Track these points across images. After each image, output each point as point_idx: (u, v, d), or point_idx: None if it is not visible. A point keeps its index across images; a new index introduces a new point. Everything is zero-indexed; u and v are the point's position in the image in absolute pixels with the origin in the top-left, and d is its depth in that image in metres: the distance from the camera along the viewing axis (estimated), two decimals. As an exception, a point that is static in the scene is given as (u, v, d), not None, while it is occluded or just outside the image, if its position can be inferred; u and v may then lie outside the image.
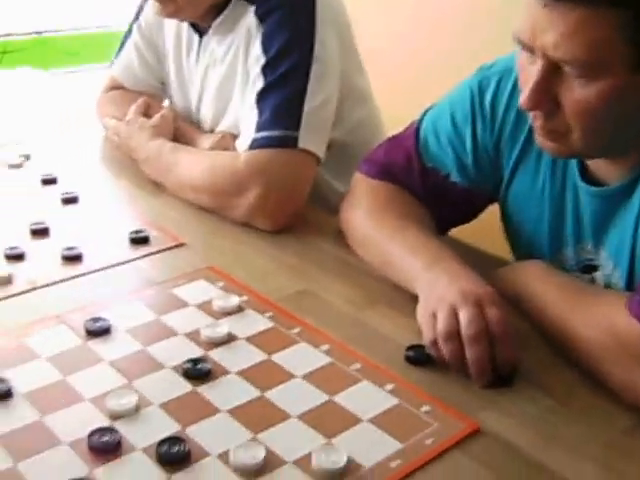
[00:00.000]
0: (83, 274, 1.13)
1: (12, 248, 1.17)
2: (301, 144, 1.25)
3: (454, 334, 0.92)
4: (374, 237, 1.14)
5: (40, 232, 1.23)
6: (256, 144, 1.26)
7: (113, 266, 1.16)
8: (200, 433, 0.83)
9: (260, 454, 0.79)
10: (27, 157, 1.53)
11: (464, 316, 0.92)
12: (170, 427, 0.83)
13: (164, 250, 1.21)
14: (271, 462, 0.79)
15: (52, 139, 1.66)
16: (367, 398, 0.89)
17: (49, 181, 1.42)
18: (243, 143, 1.29)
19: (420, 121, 1.20)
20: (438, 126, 1.17)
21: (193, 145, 1.42)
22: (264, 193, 1.23)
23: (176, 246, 1.22)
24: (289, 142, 1.25)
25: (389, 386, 0.91)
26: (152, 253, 1.20)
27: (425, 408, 0.87)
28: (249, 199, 1.24)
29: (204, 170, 1.31)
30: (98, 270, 1.14)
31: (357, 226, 1.19)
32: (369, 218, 1.17)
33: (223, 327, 0.99)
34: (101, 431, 0.81)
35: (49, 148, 1.61)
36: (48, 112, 1.84)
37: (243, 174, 1.25)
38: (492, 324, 0.92)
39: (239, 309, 1.05)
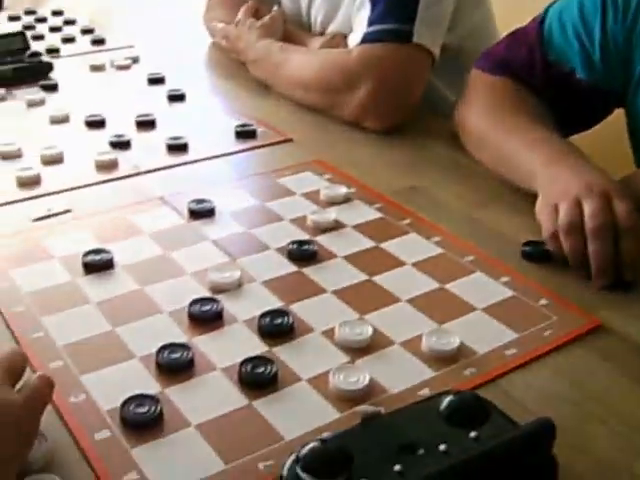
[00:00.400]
0: (188, 162, 1.11)
1: (118, 136, 1.15)
2: (415, 39, 1.19)
3: (577, 226, 0.85)
4: (490, 134, 1.07)
5: (146, 124, 1.21)
6: (368, 38, 1.20)
7: (218, 156, 1.12)
8: (304, 310, 0.79)
9: (367, 332, 0.75)
10: (135, 60, 1.51)
11: (589, 207, 0.85)
12: (273, 302, 0.80)
13: (270, 144, 1.17)
14: (378, 341, 0.75)
15: (160, 45, 1.63)
16: (481, 288, 0.83)
17: (156, 80, 1.40)
18: (355, 39, 1.23)
19: (544, 13, 1.12)
20: (564, 17, 1.09)
21: (303, 47, 1.37)
22: (375, 89, 1.18)
23: (283, 141, 1.18)
24: (403, 36, 1.18)
25: (504, 278, 0.85)
26: (258, 147, 1.16)
27: (543, 302, 0.81)
28: (359, 96, 1.19)
29: (314, 67, 1.26)
30: (203, 159, 1.11)
31: (472, 123, 1.12)
32: (486, 115, 1.10)
33: (330, 214, 0.95)
34: (202, 301, 0.79)
35: (157, 52, 1.58)
36: (158, 22, 1.81)
37: (354, 69, 1.19)
38: (619, 218, 0.84)
39: (347, 199, 1.00)
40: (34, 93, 1.33)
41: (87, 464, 0.61)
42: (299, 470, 0.55)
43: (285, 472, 0.56)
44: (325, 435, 0.62)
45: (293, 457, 0.56)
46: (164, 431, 0.64)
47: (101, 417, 0.65)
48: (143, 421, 0.64)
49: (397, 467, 0.55)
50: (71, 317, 0.78)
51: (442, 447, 0.57)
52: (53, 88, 1.35)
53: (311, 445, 0.57)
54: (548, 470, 0.58)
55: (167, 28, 1.77)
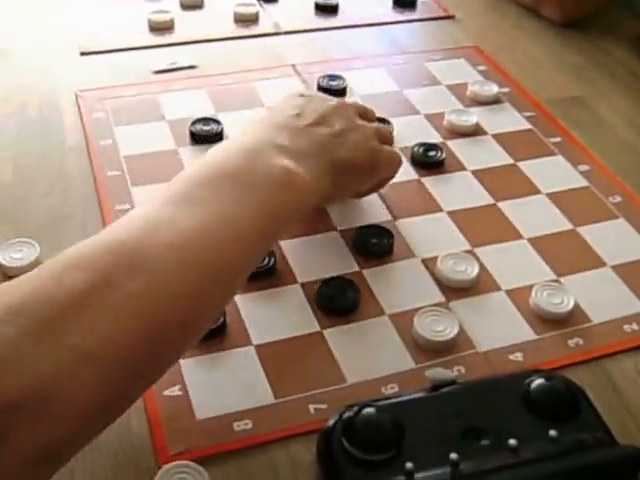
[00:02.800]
0: (333, 28, 1.01)
1: (266, -14, 1.07)
2: None
3: None
4: None
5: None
6: None
7: (369, 25, 1.02)
8: (411, 229, 0.71)
9: (473, 271, 0.66)
10: None
11: None
12: (379, 215, 0.72)
13: (429, 19, 1.05)
14: (482, 283, 0.66)
15: None
16: (619, 240, 0.72)
17: None
18: None
19: None
20: None
21: None
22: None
23: (444, 17, 1.06)
24: None
25: (651, 234, 0.73)
26: (415, 20, 1.04)
27: (690, 272, 0.69)
28: (541, -24, 1.04)
29: None
30: (351, 26, 1.01)
31: None
32: None
33: (471, 116, 0.84)
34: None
35: None
36: None
37: None
38: None
39: (496, 100, 0.88)
40: None
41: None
42: (342, 436, 0.49)
43: (328, 432, 0.51)
44: (387, 394, 0.56)
45: (342, 415, 0.51)
46: (223, 345, 0.59)
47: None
48: (203, 330, 0.59)
49: (453, 455, 0.49)
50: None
51: (512, 442, 0.50)
52: None
53: (365, 412, 0.50)
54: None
55: None
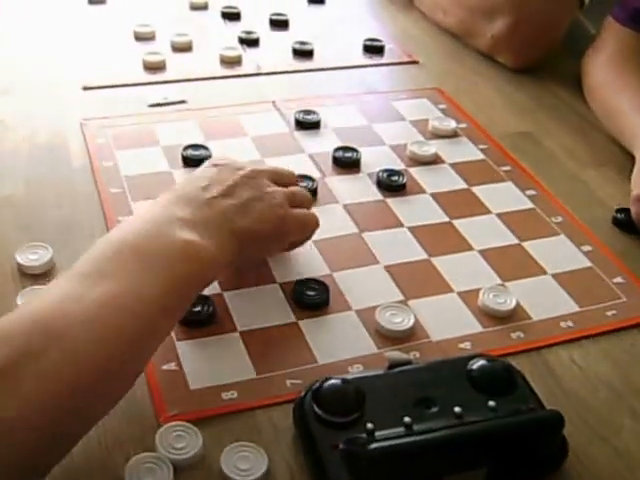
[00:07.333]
0: (309, 70, 1.12)
1: (248, 32, 1.18)
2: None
3: None
4: (604, 86, 1.04)
5: (279, 23, 1.23)
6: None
7: (340, 68, 1.14)
8: (375, 239, 0.81)
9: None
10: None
11: None
12: (349, 227, 0.82)
13: (395, 64, 1.17)
14: (436, 285, 0.76)
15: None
16: (559, 253, 0.82)
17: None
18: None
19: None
20: None
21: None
22: (515, 22, 1.14)
23: (408, 62, 1.17)
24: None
25: (587, 247, 0.83)
26: (382, 64, 1.16)
27: (618, 280, 0.79)
28: (498, 26, 1.16)
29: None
30: (324, 69, 1.13)
31: (592, 72, 1.08)
32: (606, 66, 1.06)
33: (431, 147, 0.95)
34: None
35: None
36: None
37: None
38: None
39: (453, 134, 1.00)
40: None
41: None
42: (312, 402, 0.58)
43: (302, 400, 0.60)
44: (352, 371, 0.65)
45: (313, 386, 0.60)
46: (211, 332, 0.68)
47: (157, 307, 0.70)
48: (194, 319, 0.68)
49: (407, 419, 0.57)
50: (158, 207, 0.82)
51: (457, 409, 0.58)
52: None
53: (330, 382, 0.60)
54: (555, 455, 0.60)
55: None
